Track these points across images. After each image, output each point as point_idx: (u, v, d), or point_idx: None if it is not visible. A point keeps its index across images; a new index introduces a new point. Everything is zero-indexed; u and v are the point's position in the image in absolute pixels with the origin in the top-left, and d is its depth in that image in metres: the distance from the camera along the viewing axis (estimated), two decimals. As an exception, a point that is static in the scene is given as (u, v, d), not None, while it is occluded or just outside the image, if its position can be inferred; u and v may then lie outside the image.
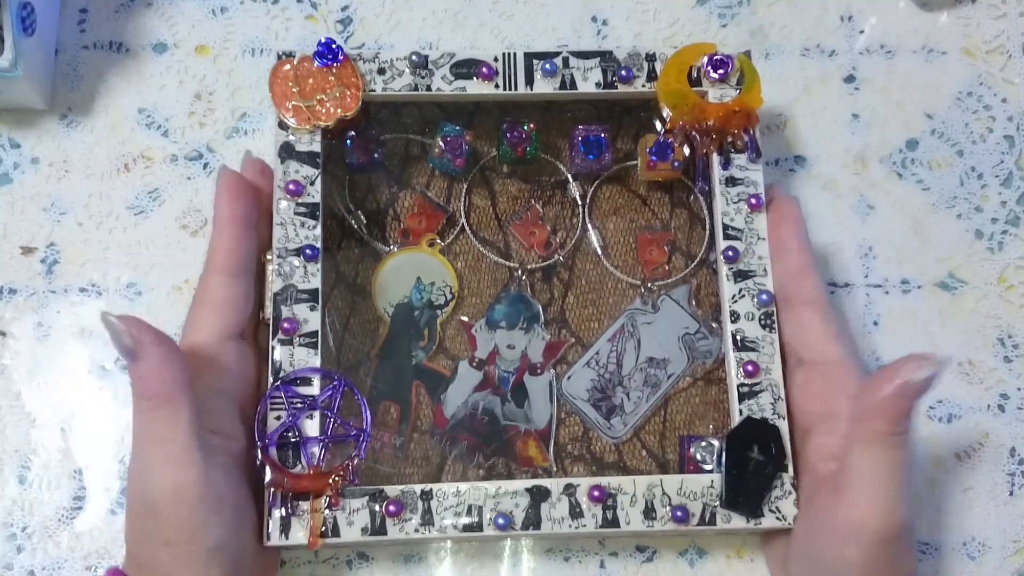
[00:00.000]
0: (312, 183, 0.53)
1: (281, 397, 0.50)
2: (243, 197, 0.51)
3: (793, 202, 0.54)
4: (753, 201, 0.54)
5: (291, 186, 0.53)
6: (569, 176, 0.59)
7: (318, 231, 0.53)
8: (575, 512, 0.50)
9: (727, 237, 0.54)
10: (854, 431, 0.47)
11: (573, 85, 0.56)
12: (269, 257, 0.53)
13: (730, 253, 0.54)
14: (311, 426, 0.50)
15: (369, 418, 0.51)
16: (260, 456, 0.49)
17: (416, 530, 0.49)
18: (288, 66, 0.55)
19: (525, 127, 0.57)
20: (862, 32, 0.64)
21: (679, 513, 0.50)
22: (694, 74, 0.56)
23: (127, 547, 0.47)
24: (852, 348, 0.52)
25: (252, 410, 0.50)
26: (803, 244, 0.53)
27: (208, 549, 0.45)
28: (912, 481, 0.48)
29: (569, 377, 0.56)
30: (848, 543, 0.46)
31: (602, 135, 0.57)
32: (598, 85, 0.56)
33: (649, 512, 0.50)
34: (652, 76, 0.56)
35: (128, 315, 0.45)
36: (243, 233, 0.51)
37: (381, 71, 0.55)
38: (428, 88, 0.55)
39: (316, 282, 0.52)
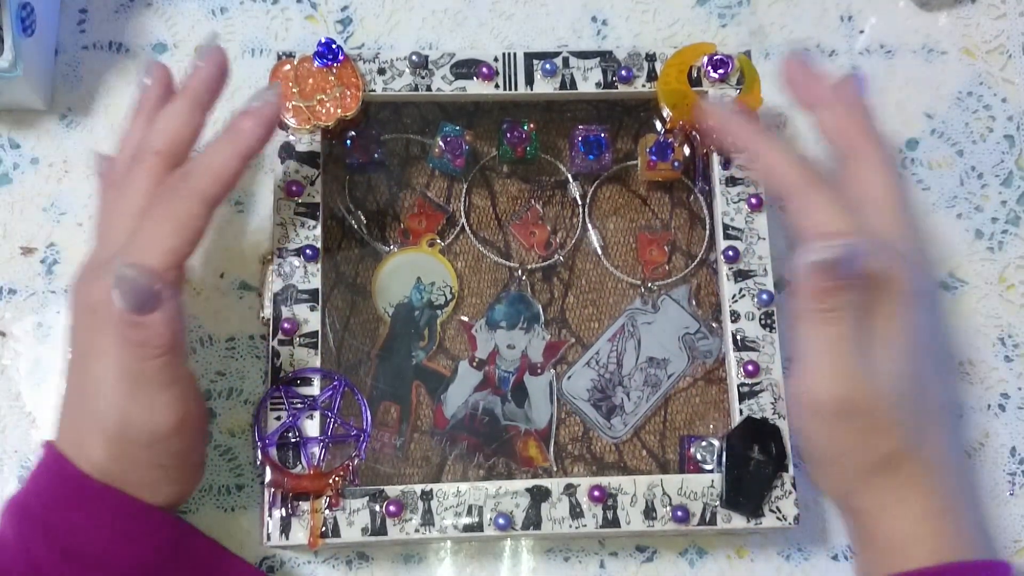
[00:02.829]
0: (312, 183, 0.53)
1: (281, 397, 0.50)
2: (268, 134, 0.49)
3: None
4: (753, 201, 0.55)
5: (291, 186, 0.53)
6: (569, 176, 0.59)
7: (318, 231, 0.53)
8: (575, 512, 0.50)
9: (727, 237, 0.54)
10: (794, 308, 0.48)
11: (573, 85, 0.56)
12: (269, 257, 0.53)
13: (730, 253, 0.54)
14: (311, 426, 0.50)
15: (369, 418, 0.51)
16: (260, 456, 0.49)
17: (416, 530, 0.49)
18: (288, 66, 0.55)
19: (525, 127, 0.56)
20: (862, 32, 0.64)
21: (679, 513, 0.50)
22: (694, 74, 0.56)
23: (101, 466, 0.46)
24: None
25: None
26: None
27: (191, 464, 0.50)
28: (874, 358, 0.47)
29: (569, 377, 0.56)
30: (807, 417, 0.48)
31: (602, 135, 0.57)
32: (598, 85, 0.56)
33: (649, 512, 0.50)
34: (652, 76, 0.56)
35: (139, 263, 0.43)
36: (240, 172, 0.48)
37: (381, 71, 0.55)
38: (428, 88, 0.55)
39: (316, 282, 0.52)
